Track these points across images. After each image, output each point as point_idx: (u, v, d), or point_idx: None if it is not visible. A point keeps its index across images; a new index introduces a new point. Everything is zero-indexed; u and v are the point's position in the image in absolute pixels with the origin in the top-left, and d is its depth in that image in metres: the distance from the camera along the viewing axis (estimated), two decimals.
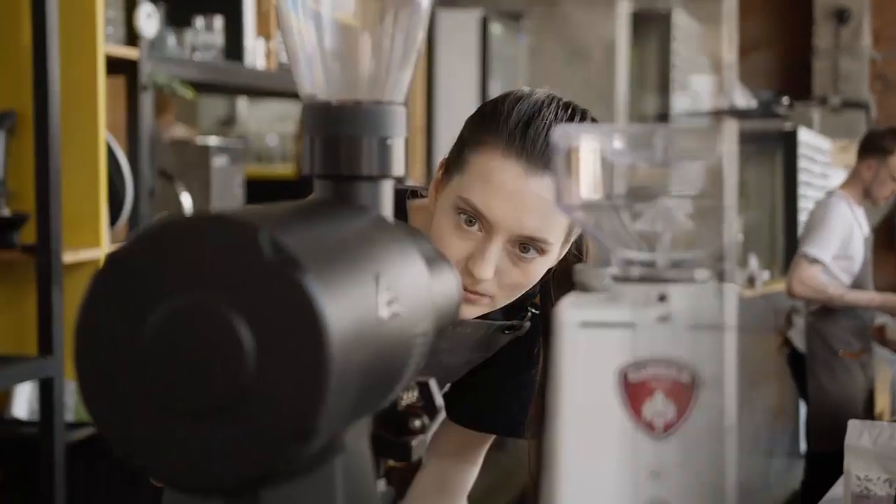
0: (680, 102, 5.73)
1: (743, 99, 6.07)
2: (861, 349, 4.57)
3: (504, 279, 1.33)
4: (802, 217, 7.40)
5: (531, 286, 1.36)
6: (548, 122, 1.31)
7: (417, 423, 0.89)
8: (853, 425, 1.99)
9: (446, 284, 0.87)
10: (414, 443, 0.89)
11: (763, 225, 7.35)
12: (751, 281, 5.84)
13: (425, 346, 0.78)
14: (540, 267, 1.34)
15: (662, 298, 0.70)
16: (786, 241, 7.32)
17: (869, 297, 4.53)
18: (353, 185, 0.80)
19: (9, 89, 2.53)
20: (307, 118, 0.81)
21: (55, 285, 2.39)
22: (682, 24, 7.87)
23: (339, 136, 0.80)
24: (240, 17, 3.27)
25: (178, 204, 3.02)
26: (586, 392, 0.70)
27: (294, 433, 0.62)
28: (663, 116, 7.48)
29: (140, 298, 0.63)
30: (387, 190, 0.82)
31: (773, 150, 7.48)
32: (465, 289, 1.31)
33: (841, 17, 9.92)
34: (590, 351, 0.70)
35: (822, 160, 7.78)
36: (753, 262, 6.09)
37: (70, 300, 2.45)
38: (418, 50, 0.84)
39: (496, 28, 5.97)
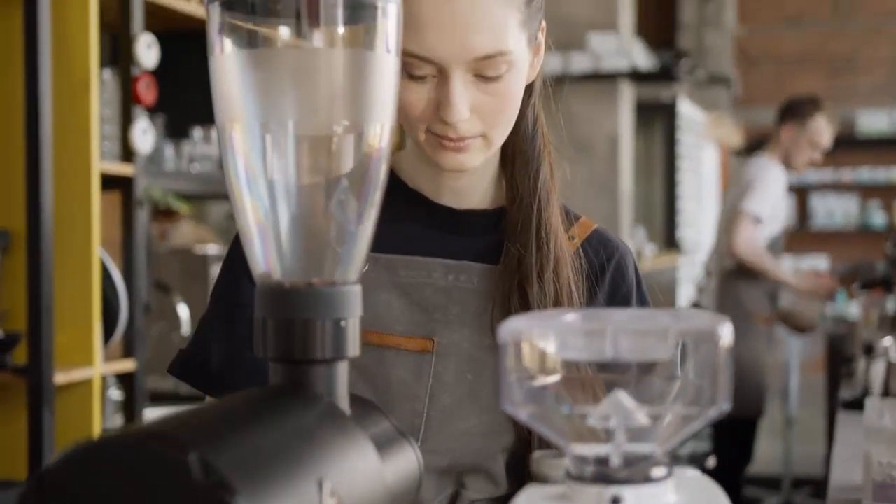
0: (579, 61, 5.75)
1: (642, 57, 6.05)
2: (770, 316, 4.53)
3: (484, 112, 1.19)
4: (681, 190, 7.43)
5: (518, 108, 1.23)
6: None
7: None
8: (871, 404, 1.80)
9: (403, 465, 0.84)
10: None
11: (642, 195, 7.32)
12: (638, 255, 5.81)
13: None
14: (515, 82, 1.20)
15: (616, 502, 0.68)
16: (665, 212, 7.30)
17: (798, 279, 4.54)
18: (308, 369, 0.78)
19: (1, 208, 2.54)
20: (260, 299, 0.79)
21: (46, 408, 2.37)
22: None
23: (292, 320, 0.78)
24: None
25: (175, 316, 3.01)
26: None
27: None
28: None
29: None
30: (342, 372, 0.80)
31: (653, 120, 7.53)
32: (451, 139, 1.19)
33: None
34: None
35: (697, 132, 7.89)
36: (641, 234, 6.02)
37: (62, 423, 2.43)
38: (373, 225, 0.82)
39: None
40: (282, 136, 0.79)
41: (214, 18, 0.79)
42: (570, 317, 0.73)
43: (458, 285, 1.28)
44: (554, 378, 0.72)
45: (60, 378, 2.47)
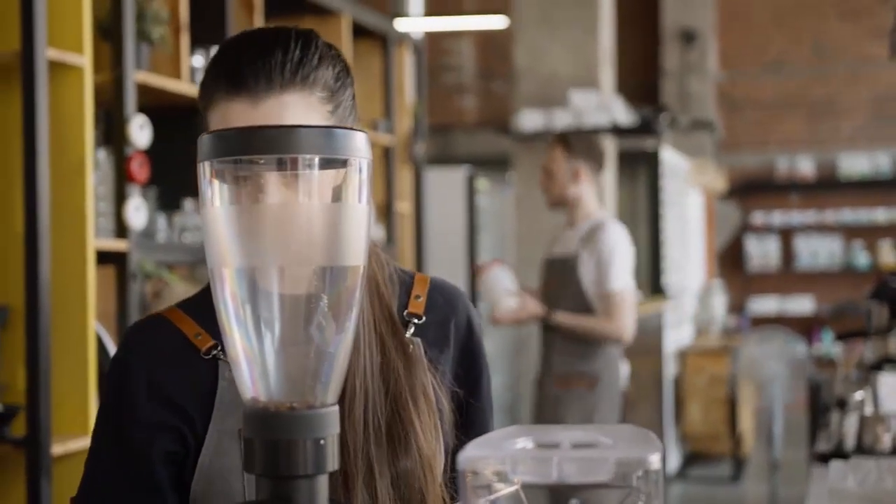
0: (561, 117, 5.78)
1: (622, 113, 6.07)
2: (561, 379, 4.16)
3: None
4: (666, 236, 7.50)
5: None
6: (262, 40, 1.23)
7: None
8: (836, 466, 1.91)
9: None
10: None
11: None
12: None
13: None
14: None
15: None
16: (650, 260, 7.34)
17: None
18: (291, 484, 0.88)
19: (0, 284, 2.63)
20: (247, 421, 0.89)
21: (44, 479, 2.46)
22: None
23: (277, 440, 0.88)
24: None
25: None
26: None
27: None
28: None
29: None
30: (322, 484, 0.90)
31: (637, 169, 7.61)
32: None
33: (687, 38, 10.22)
34: None
35: (681, 178, 8.02)
36: None
37: (59, 491, 2.51)
38: (348, 354, 0.92)
39: (482, 183, 6.13)
40: (267, 277, 0.89)
41: (206, 175, 0.89)
42: (521, 442, 0.83)
43: None
44: (508, 491, 0.82)
45: (58, 449, 2.55)
